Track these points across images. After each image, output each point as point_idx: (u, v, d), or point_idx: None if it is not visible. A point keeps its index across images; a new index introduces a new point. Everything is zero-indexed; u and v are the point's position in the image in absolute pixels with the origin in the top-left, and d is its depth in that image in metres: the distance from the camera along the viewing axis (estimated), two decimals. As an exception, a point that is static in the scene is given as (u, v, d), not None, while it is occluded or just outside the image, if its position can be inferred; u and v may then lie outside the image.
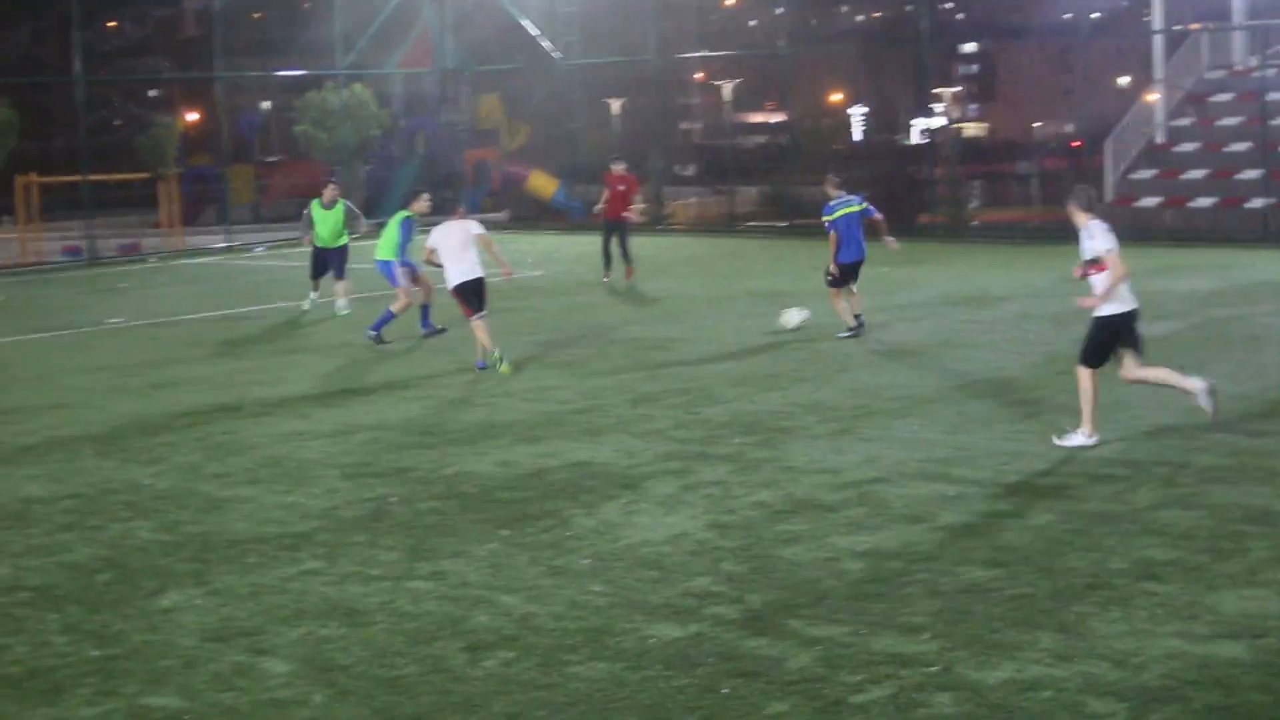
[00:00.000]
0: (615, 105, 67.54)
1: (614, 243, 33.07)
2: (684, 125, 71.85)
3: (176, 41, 78.40)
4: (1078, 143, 47.19)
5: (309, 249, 30.09)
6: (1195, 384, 16.12)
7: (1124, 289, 15.86)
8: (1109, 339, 16.02)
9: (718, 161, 59.48)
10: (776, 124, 59.83)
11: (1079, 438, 15.82)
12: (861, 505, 13.75)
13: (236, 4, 59.42)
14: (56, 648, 10.78)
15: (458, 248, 22.33)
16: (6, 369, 24.10)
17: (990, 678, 9.53)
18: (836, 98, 68.35)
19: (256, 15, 73.97)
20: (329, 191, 30.08)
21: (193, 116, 70.68)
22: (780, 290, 29.47)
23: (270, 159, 68.64)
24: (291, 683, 9.92)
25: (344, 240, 29.86)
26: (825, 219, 23.96)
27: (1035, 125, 65.55)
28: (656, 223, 48.36)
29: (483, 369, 21.95)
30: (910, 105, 61.78)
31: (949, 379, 19.95)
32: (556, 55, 50.38)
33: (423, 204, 25.45)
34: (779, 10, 47.60)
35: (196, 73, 61.66)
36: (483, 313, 22.27)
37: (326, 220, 29.65)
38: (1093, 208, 16.07)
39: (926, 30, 44.36)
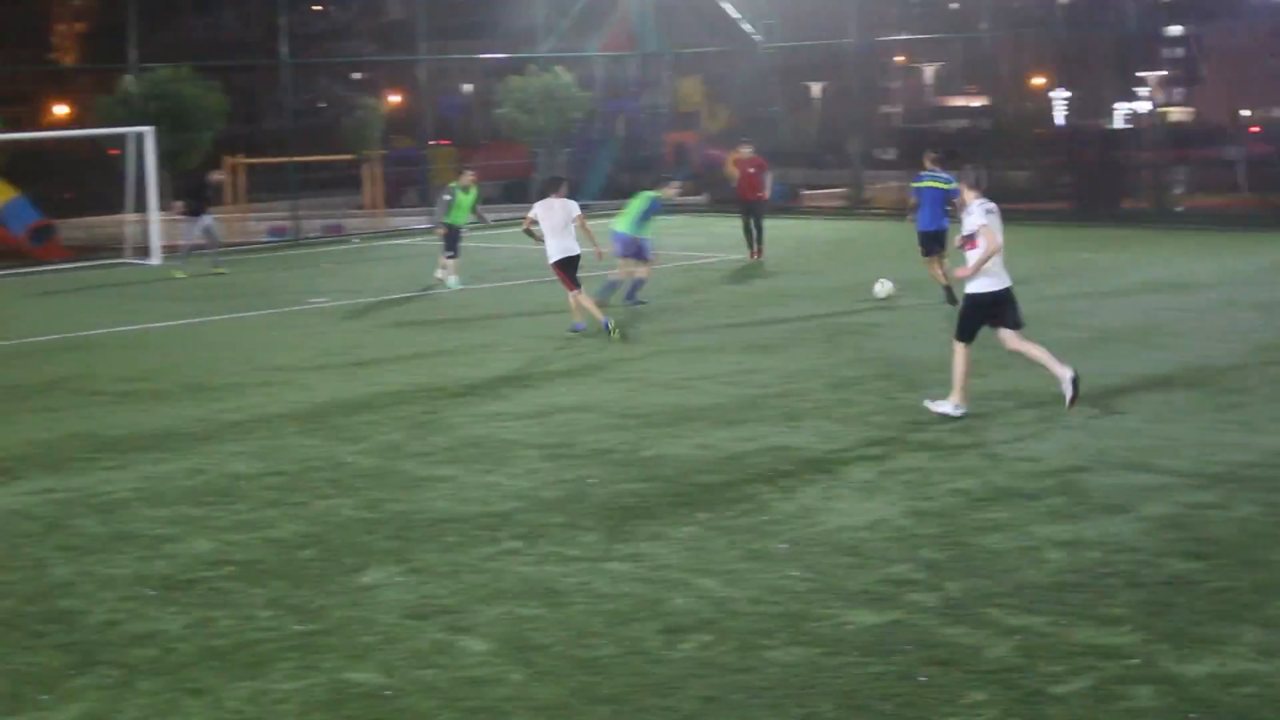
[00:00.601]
0: (815, 88, 67.28)
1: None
2: (884, 108, 71.29)
3: (380, 24, 79.19)
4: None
5: (440, 232, 31.51)
6: (1063, 371, 17.13)
7: (996, 267, 17.08)
8: (979, 315, 17.31)
9: (918, 145, 59.06)
10: (978, 108, 59.15)
11: (947, 406, 17.02)
12: (1062, 494, 13.62)
13: (441, -13, 59.96)
14: (261, 622, 10.97)
15: (559, 225, 24.11)
16: (214, 348, 24.54)
17: (1192, 671, 9.40)
18: (1039, 81, 67.55)
19: (460, -2, 74.56)
20: (468, 176, 31.79)
21: (396, 99, 71.45)
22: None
23: (472, 142, 69.17)
24: (489, 661, 10.02)
25: (464, 220, 31.63)
26: (912, 185, 26.41)
27: (1243, 110, 64.29)
28: (856, 207, 48.14)
29: (580, 330, 24.12)
30: (1114, 89, 60.89)
31: (1152, 366, 19.69)
32: (757, 38, 50.27)
33: (672, 189, 26.60)
34: (980, -9, 47.17)
35: (400, 55, 62.23)
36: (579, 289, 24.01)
37: (464, 203, 31.11)
38: (978, 186, 17.42)
39: (1131, 12, 43.68)
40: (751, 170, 34.83)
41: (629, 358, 21.78)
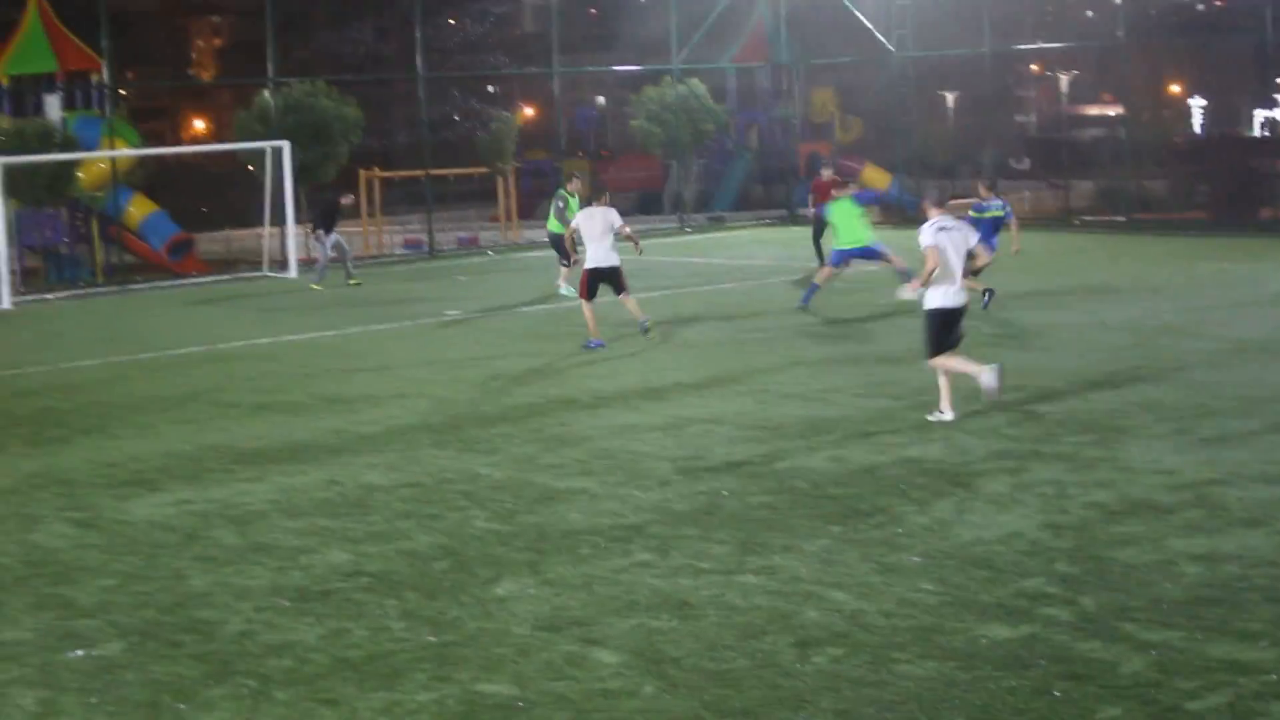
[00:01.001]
0: (949, 98, 66.96)
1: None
2: (1019, 118, 70.88)
3: (514, 37, 79.56)
4: None
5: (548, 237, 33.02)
6: (982, 369, 17.84)
7: (950, 286, 17.72)
8: (941, 329, 17.84)
9: (1053, 155, 58.65)
10: (1113, 116, 58.67)
11: (944, 414, 17.64)
12: (1199, 507, 13.47)
13: (573, 1, 60.23)
14: (395, 633, 11.05)
15: (598, 233, 24.68)
16: (351, 359, 24.76)
17: (1333, 688, 9.29)
18: (1175, 89, 66.92)
19: (592, 10, 74.84)
20: (575, 183, 33.36)
21: (529, 112, 71.75)
22: (1116, 287, 29.02)
23: (605, 153, 69.36)
24: (622, 673, 10.04)
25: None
26: (973, 214, 26.65)
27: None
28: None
29: (596, 347, 24.39)
30: (1252, 96, 60.21)
31: (1292, 378, 19.46)
32: (890, 48, 50.10)
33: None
34: (1117, 0, 46.67)
35: (535, 68, 62.56)
36: (625, 292, 25.07)
37: (574, 209, 31.26)
38: (941, 205, 18.44)
39: (1270, 17, 43.11)
40: (834, 193, 34.51)
41: (761, 369, 21.75)
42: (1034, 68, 72.19)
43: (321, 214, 37.75)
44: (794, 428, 17.61)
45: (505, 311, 30.31)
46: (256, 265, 42.38)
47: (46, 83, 45.95)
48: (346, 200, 38.98)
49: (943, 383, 17.77)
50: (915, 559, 12.20)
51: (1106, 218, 46.29)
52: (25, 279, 41.23)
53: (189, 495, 15.75)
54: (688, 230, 30.52)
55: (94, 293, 39.60)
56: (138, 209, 45.52)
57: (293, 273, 39.97)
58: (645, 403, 19.69)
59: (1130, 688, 9.40)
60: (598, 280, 24.73)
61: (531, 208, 53.06)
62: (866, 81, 55.24)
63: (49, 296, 38.91)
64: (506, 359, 24.00)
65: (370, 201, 49.51)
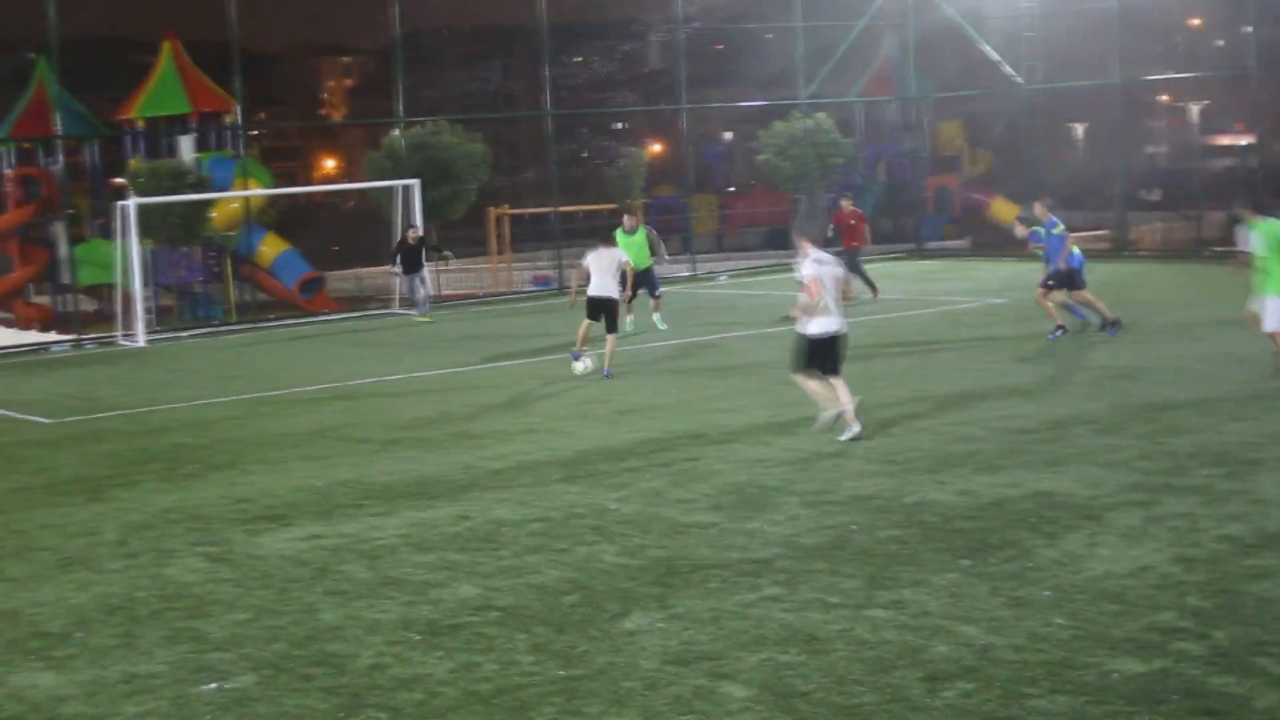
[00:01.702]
0: (1078, 129, 66.53)
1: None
2: (1148, 148, 70.26)
3: (641, 74, 79.94)
4: None
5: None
6: (830, 414, 19.27)
7: (824, 317, 18.98)
8: (809, 353, 19.19)
9: (1184, 185, 58.11)
10: (1245, 145, 58.05)
11: (851, 430, 19.03)
12: (1336, 540, 13.29)
13: (699, 36, 60.41)
14: (524, 667, 11.08)
15: (605, 268, 26.73)
16: (481, 394, 24.89)
17: None
18: (1309, 118, 66.07)
19: (719, 46, 75.01)
20: (629, 220, 33.85)
21: (657, 148, 71.93)
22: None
23: (732, 188, 69.46)
24: (751, 708, 10.02)
25: (647, 264, 33.39)
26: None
27: None
28: (1121, 249, 47.52)
29: (608, 376, 26.07)
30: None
31: None
32: (1018, 80, 49.87)
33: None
34: (1247, 28, 46.18)
35: (662, 105, 62.76)
36: (614, 332, 27.02)
37: (629, 246, 31.77)
38: (816, 240, 19.63)
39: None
40: (852, 223, 37.83)
41: (888, 403, 21.67)
42: (1164, 98, 71.55)
43: (404, 257, 38.63)
44: (923, 461, 17.53)
45: (634, 347, 30.35)
46: (386, 303, 42.75)
47: (180, 124, 46.68)
48: (414, 233, 39.48)
49: (810, 391, 19.48)
50: (1045, 593, 12.11)
51: (1239, 248, 45.76)
52: (160, 317, 41.83)
53: (320, 530, 15.88)
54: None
55: (227, 330, 40.12)
56: (270, 248, 46.12)
57: (420, 310, 40.31)
58: (773, 437, 19.66)
59: (1265, 723, 9.29)
60: (598, 307, 26.70)
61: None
62: (994, 114, 55.00)
63: (183, 334, 39.42)
64: (635, 393, 24.05)
65: (499, 238, 49.84)
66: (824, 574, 13.04)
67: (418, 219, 40.75)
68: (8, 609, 13.56)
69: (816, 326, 18.99)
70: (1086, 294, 27.86)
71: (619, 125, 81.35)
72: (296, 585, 13.76)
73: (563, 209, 49.26)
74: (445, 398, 24.80)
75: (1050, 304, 27.60)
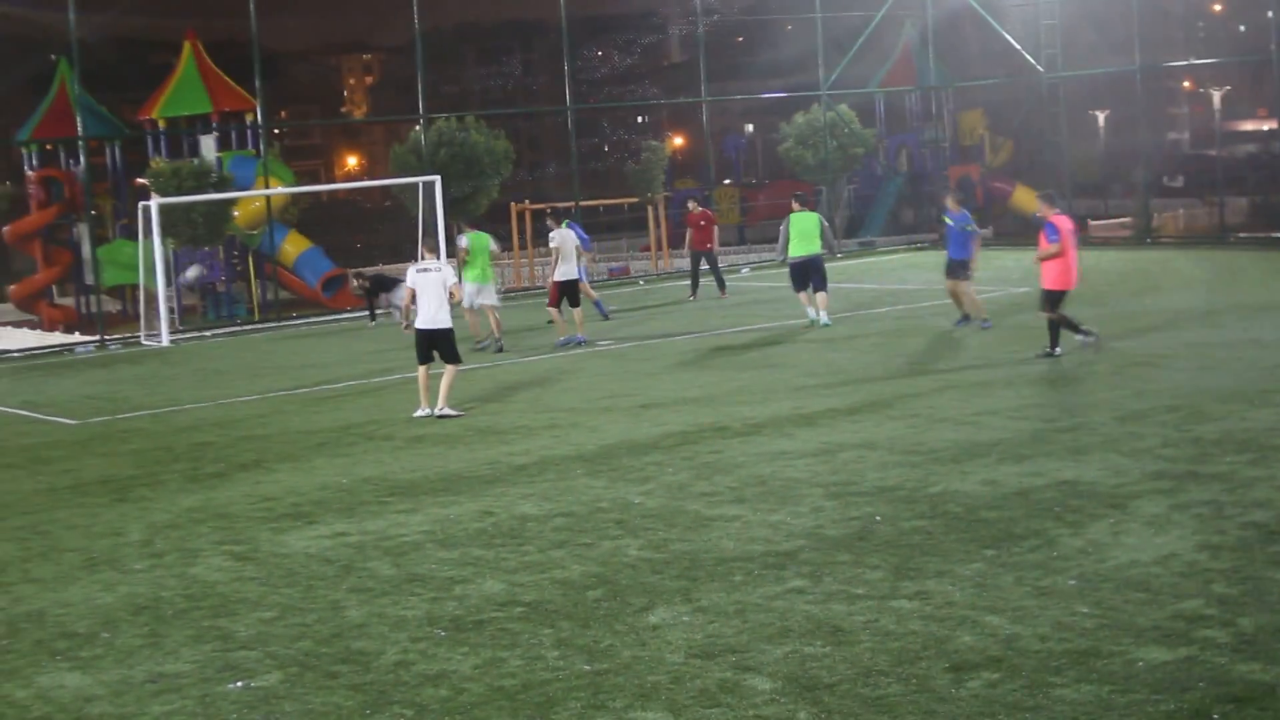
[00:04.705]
0: (1100, 117, 66.39)
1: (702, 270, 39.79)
2: (1171, 135, 70.14)
3: (662, 68, 79.91)
4: None
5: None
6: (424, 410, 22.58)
7: (426, 315, 22.57)
8: (418, 347, 22.93)
9: (1207, 171, 57.99)
10: (1268, 131, 57.94)
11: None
12: (1361, 526, 13.26)
13: (720, 29, 60.38)
14: (549, 662, 11.09)
15: (569, 252, 30.66)
16: (505, 391, 24.89)
17: None
18: (1333, 102, 65.91)
19: (739, 39, 74.97)
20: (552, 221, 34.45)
21: (679, 140, 71.91)
22: (1274, 303, 28.64)
23: (754, 181, 69.42)
24: (776, 700, 10.02)
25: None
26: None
27: None
28: (1144, 236, 47.41)
29: (572, 343, 30.18)
30: None
31: None
32: (1039, 68, 49.76)
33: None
34: (1270, 13, 45.98)
35: (683, 98, 62.74)
36: (578, 305, 30.83)
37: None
38: (434, 249, 23.87)
39: None
40: (703, 224, 39.37)
41: (913, 394, 21.66)
42: (1186, 84, 71.43)
43: (370, 287, 38.77)
44: (947, 452, 17.51)
45: (657, 340, 30.37)
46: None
47: (201, 124, 46.73)
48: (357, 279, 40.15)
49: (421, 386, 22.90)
50: (1070, 582, 12.09)
51: (1262, 234, 45.70)
52: (183, 316, 41.91)
53: (345, 527, 15.91)
54: (838, 255, 30.51)
55: (250, 329, 40.19)
56: (292, 246, 46.17)
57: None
58: (797, 429, 19.65)
59: (1291, 710, 9.27)
60: (565, 289, 30.45)
61: (681, 237, 53.23)
62: (1015, 102, 54.91)
63: (207, 334, 39.50)
64: (658, 388, 24.06)
65: (521, 234, 49.85)
66: (848, 565, 13.04)
67: (439, 215, 40.78)
68: (34, 609, 13.61)
69: (422, 323, 22.68)
70: (963, 287, 28.86)
71: (640, 119, 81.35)
72: (322, 583, 13.79)
73: (585, 203, 49.25)
74: (468, 393, 24.73)
75: (965, 294, 29.01)
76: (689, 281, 40.41)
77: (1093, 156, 59.30)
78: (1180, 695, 9.57)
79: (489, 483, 17.69)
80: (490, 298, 31.06)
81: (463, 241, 31.32)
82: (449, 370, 22.91)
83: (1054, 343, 23.99)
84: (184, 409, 25.57)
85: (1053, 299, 23.97)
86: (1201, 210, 53.74)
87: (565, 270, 30.54)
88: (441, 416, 22.42)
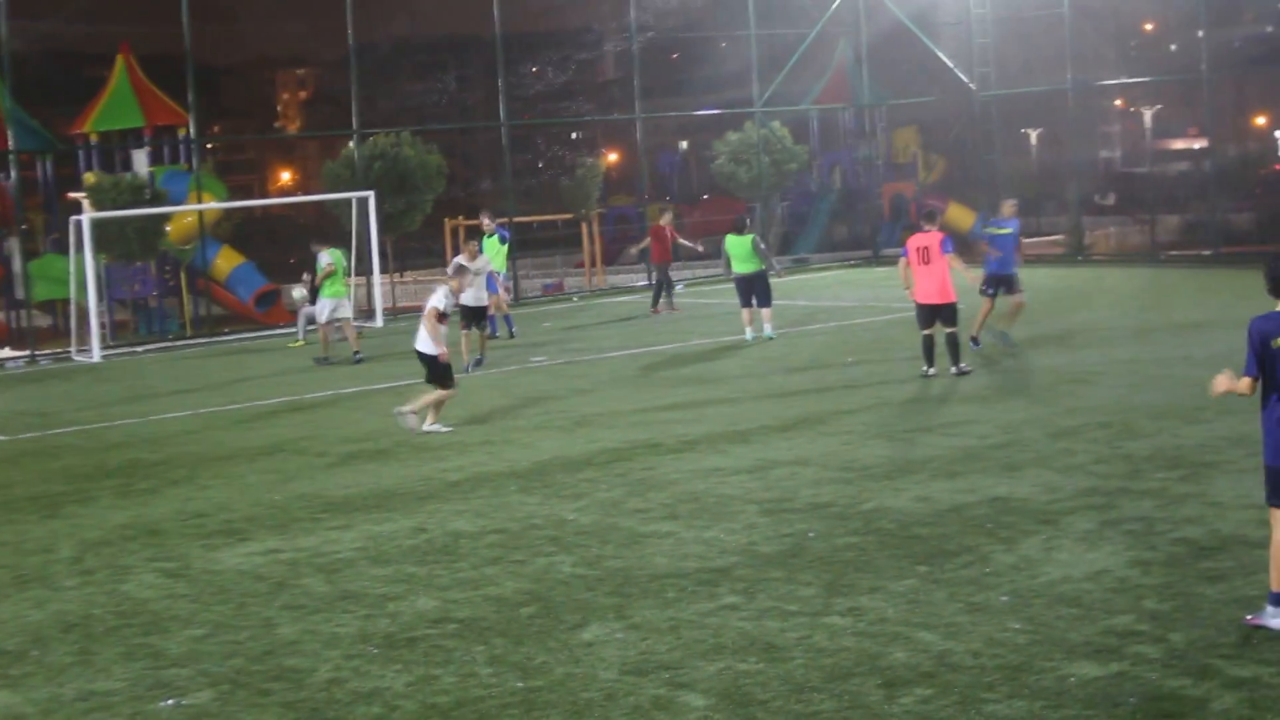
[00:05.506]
0: (1033, 135, 66.76)
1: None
2: (1103, 153, 70.55)
3: (596, 84, 79.93)
4: None
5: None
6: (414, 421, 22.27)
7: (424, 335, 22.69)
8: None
9: (1138, 190, 58.37)
10: (1198, 149, 58.35)
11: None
12: (1291, 542, 13.33)
13: (654, 46, 60.43)
14: (482, 679, 11.07)
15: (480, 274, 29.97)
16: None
17: None
18: (1260, 120, 66.55)
19: (674, 56, 75.06)
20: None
21: (613, 157, 71.95)
22: (1205, 321, 28.81)
23: (687, 199, 69.51)
24: (709, 716, 10.02)
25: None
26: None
27: None
28: (1077, 253, 47.66)
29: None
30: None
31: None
32: (971, 86, 50.01)
33: None
34: (1200, 33, 46.32)
35: (618, 114, 62.80)
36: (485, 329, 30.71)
37: (489, 248, 33.90)
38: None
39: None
40: (666, 236, 40.08)
41: (846, 410, 21.72)
42: (1117, 103, 71.88)
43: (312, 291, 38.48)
44: (880, 468, 17.56)
45: (591, 357, 30.38)
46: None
47: (134, 138, 46.51)
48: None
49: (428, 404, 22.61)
50: (1003, 598, 12.14)
51: (1193, 252, 46.01)
52: (115, 332, 41.68)
53: (278, 544, 15.85)
54: (772, 273, 30.57)
55: (183, 344, 40.00)
56: (225, 261, 45.96)
57: (379, 322, 40.26)
58: (731, 446, 19.68)
59: (1221, 725, 9.33)
60: (472, 314, 29.70)
61: (616, 253, 53.26)
62: (949, 120, 55.16)
63: (139, 349, 39.29)
64: (592, 404, 24.05)
65: (455, 250, 49.78)
66: (782, 582, 13.06)
67: (372, 231, 40.70)
68: (-37, 628, 13.51)
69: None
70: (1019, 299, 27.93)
71: (575, 135, 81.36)
72: (254, 600, 13.73)
73: (519, 219, 49.22)
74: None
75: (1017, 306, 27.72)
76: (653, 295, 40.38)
77: (1026, 174, 59.57)
78: (1112, 710, 9.62)
79: (422, 499, 17.65)
80: (347, 311, 33.12)
81: (326, 259, 32.95)
82: (437, 393, 22.84)
83: (955, 359, 24.64)
84: (115, 425, 25.43)
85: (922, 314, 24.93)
86: (1133, 228, 54.07)
87: (471, 294, 29.04)
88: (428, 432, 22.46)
